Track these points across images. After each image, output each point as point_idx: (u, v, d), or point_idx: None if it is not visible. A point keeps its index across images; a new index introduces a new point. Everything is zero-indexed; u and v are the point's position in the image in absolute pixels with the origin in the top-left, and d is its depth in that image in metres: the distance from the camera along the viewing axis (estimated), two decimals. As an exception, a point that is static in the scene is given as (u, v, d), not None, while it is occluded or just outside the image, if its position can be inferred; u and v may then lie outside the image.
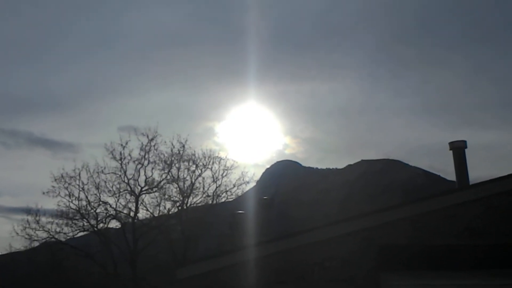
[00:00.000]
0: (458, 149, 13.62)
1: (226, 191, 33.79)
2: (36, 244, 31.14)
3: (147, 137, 32.28)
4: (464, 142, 13.72)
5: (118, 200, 32.13)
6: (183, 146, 32.93)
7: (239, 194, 34.55)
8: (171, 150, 32.81)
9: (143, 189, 32.49)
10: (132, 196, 32.39)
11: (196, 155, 33.17)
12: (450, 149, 13.80)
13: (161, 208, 33.12)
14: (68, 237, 31.92)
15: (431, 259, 9.33)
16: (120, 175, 32.01)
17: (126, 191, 32.23)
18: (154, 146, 32.42)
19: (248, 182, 34.47)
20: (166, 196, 33.14)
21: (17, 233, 30.29)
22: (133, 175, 32.20)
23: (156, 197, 33.10)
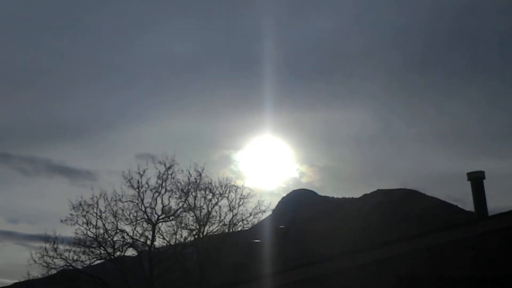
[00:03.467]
0: (477, 180, 13.54)
1: (243, 220, 33.58)
2: (53, 272, 31.18)
3: (165, 165, 32.51)
4: (483, 172, 13.64)
5: (135, 228, 32.30)
6: (200, 174, 33.06)
7: (255, 223, 34.38)
8: (188, 179, 32.94)
9: (160, 218, 32.57)
10: (149, 225, 32.47)
11: (213, 184, 33.17)
12: (468, 180, 13.72)
13: (177, 236, 33.13)
14: (85, 265, 31.93)
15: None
16: (137, 203, 32.20)
17: (143, 219, 32.36)
18: (171, 174, 32.62)
19: (264, 211, 34.30)
20: (183, 225, 33.16)
21: (35, 261, 30.37)
22: (150, 203, 32.35)
23: (173, 226, 33.16)
